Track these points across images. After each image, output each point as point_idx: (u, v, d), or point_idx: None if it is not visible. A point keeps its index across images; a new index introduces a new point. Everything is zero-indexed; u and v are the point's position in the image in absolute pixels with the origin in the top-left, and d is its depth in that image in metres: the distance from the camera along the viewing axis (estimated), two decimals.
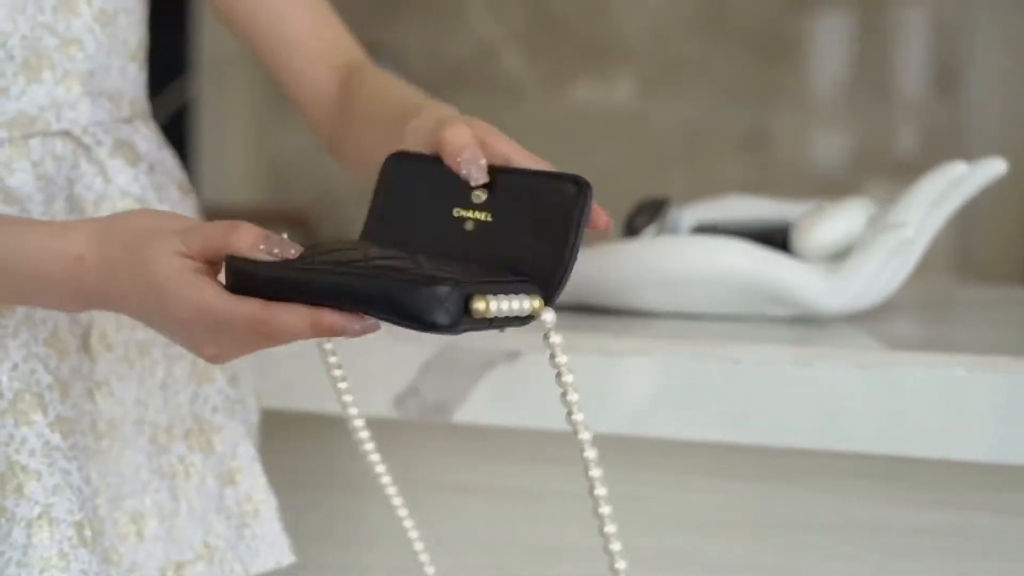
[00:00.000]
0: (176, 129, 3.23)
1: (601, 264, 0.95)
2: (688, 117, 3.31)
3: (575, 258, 0.66)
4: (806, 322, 0.94)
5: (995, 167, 0.93)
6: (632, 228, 1.00)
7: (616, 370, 0.86)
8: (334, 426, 0.88)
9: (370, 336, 0.89)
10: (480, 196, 0.70)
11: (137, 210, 0.69)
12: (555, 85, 3.40)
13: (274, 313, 0.61)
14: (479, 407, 0.88)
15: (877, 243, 0.91)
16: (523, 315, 0.64)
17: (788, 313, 0.94)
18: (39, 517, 0.73)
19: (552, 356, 0.66)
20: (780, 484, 0.92)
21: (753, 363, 0.84)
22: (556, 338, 0.64)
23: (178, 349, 0.81)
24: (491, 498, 0.98)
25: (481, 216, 0.71)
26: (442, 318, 0.61)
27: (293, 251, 0.63)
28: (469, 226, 0.71)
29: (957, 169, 0.93)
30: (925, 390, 0.81)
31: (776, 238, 0.98)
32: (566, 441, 0.95)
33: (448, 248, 0.71)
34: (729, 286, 0.93)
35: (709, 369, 0.84)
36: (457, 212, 0.71)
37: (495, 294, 0.62)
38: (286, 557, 0.84)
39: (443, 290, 0.61)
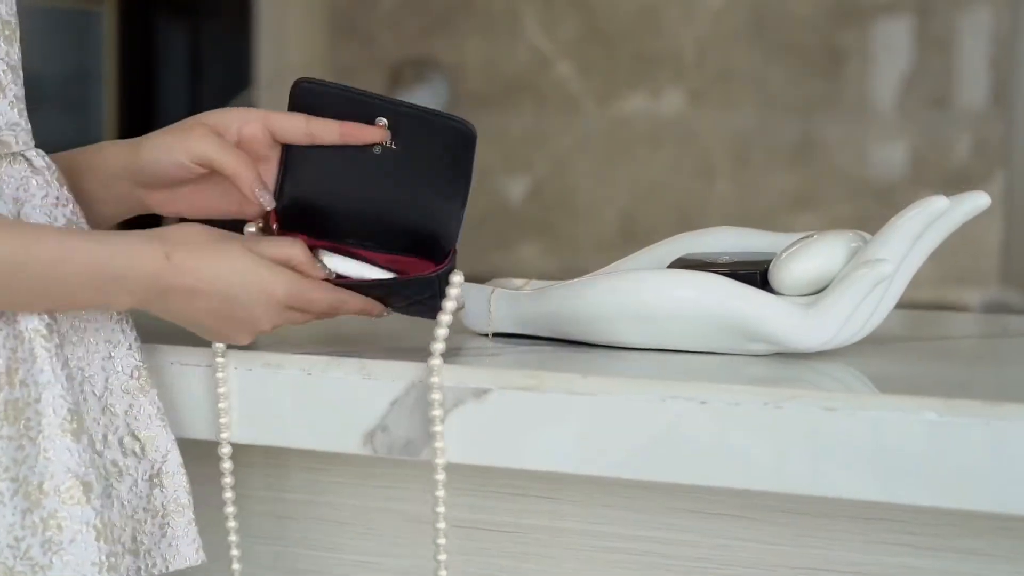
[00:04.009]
0: None
1: (575, 296, 0.94)
2: (738, 128, 3.28)
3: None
4: (786, 358, 0.93)
5: (978, 200, 0.91)
6: None
7: (582, 409, 0.85)
8: None
9: (338, 373, 0.90)
10: (377, 150, 0.88)
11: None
12: (607, 97, 3.39)
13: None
14: (448, 445, 0.88)
15: (854, 279, 0.89)
16: None
17: (766, 350, 0.92)
18: None
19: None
20: (751, 524, 0.91)
21: (722, 404, 0.82)
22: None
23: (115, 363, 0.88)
24: (470, 532, 0.97)
25: (387, 143, 0.88)
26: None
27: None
28: (377, 150, 0.88)
29: (938, 203, 0.91)
30: (893, 433, 0.79)
31: (761, 272, 0.96)
32: (540, 479, 0.95)
33: (359, 170, 0.88)
34: (703, 322, 0.91)
35: (676, 409, 0.83)
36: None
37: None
38: (200, 557, 0.91)
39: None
